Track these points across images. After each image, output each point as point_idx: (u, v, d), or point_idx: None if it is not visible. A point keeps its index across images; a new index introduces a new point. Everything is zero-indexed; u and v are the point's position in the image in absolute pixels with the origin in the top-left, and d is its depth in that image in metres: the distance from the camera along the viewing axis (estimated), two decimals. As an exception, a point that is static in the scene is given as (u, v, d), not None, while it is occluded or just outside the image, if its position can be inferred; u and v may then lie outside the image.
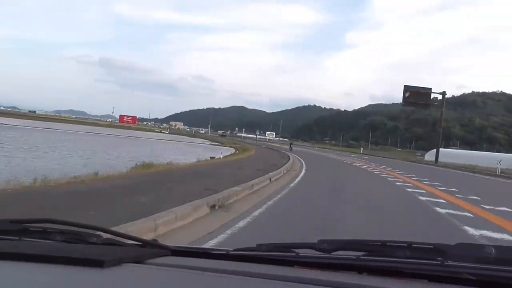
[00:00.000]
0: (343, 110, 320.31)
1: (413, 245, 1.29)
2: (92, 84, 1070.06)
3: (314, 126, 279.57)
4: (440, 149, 52.56)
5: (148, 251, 1.42)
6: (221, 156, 27.37)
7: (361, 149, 79.54)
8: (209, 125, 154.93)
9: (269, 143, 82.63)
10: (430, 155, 58.94)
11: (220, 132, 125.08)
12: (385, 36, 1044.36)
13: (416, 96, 50.19)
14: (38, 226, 1.48)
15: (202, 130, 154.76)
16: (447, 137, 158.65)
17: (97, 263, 1.18)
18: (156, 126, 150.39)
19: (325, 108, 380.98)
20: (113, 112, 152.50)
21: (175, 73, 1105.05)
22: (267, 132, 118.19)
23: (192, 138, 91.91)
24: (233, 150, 46.02)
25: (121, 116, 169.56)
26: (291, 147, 60.96)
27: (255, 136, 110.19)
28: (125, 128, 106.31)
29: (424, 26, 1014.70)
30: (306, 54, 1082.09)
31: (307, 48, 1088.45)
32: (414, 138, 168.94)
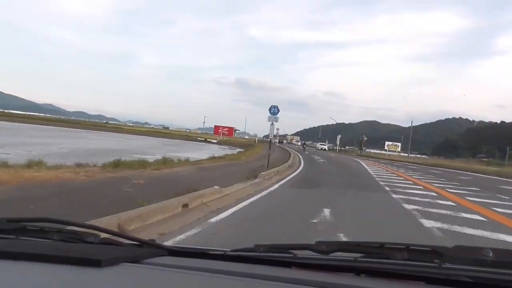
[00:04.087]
0: (498, 122, 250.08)
1: (411, 247, 1.22)
2: (229, 103, 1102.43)
3: (461, 141, 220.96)
4: None
5: (145, 251, 1.35)
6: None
7: None
8: (319, 139, 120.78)
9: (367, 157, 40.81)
10: None
11: (277, 139, 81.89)
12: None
13: None
14: (35, 225, 1.40)
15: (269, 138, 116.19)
16: None
17: (95, 263, 1.13)
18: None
19: (472, 120, 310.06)
20: (204, 123, 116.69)
21: (305, 90, 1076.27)
22: (386, 143, 70.59)
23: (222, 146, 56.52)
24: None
25: (216, 127, 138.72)
26: (304, 147, 60.59)
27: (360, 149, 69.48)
28: (178, 138, 72.35)
29: None
30: (446, 64, 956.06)
31: (448, 57, 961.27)
32: None
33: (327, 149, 73.92)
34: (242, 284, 1.09)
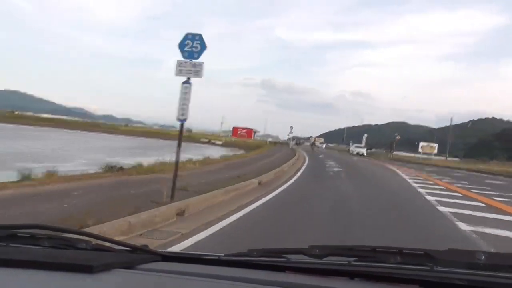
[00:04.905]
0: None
1: (404, 251, 1.21)
2: (254, 104, 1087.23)
3: (495, 141, 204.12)
4: None
5: (138, 256, 1.31)
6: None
7: None
8: (343, 140, 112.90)
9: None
10: None
11: (294, 141, 68.96)
12: None
13: None
14: (26, 231, 1.35)
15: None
16: None
17: (86, 269, 1.09)
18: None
19: (507, 121, 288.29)
20: (222, 123, 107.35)
21: (331, 92, 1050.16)
22: (421, 144, 59.56)
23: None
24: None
25: (235, 129, 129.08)
26: (313, 147, 55.23)
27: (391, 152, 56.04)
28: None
29: None
30: (479, 63, 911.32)
31: (481, 56, 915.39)
32: None
33: (365, 154, 54.51)
34: None
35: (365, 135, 63.90)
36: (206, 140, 67.20)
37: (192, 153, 30.77)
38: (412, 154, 70.42)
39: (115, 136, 56.74)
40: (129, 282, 1.12)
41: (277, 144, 70.41)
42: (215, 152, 34.65)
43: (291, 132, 56.34)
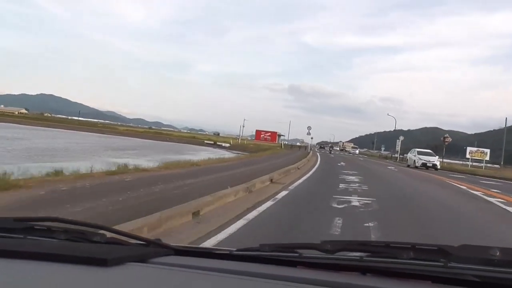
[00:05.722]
0: None
1: (417, 246, 1.19)
2: (281, 109, 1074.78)
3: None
4: None
5: (151, 250, 1.33)
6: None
7: None
8: (373, 145, 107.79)
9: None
10: None
11: (317, 145, 61.48)
12: None
13: None
14: (42, 224, 1.38)
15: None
16: None
17: (101, 262, 1.11)
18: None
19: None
20: (243, 126, 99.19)
21: (361, 96, 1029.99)
22: (469, 149, 50.05)
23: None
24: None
25: (258, 132, 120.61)
26: (331, 150, 54.96)
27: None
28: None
29: None
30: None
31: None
32: None
33: (438, 167, 32.80)
34: (248, 283, 1.07)
35: (401, 137, 53.33)
36: (211, 142, 62.95)
37: (160, 157, 22.22)
38: (457, 162, 59.31)
39: (110, 136, 50.37)
40: (143, 276, 1.11)
41: (294, 147, 62.32)
42: (203, 156, 25.87)
43: (309, 133, 47.59)
